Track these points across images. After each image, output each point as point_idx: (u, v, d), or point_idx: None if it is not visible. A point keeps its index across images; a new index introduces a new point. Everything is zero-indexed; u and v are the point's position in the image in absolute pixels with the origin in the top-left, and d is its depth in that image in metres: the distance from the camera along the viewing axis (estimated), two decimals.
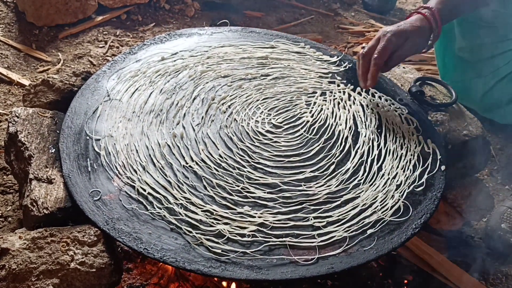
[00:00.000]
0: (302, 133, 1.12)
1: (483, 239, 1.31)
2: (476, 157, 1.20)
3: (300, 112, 1.17)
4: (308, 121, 1.14)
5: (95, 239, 0.88)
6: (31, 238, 0.86)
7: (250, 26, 1.84)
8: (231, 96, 1.18)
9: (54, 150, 1.03)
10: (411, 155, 1.09)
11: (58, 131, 1.06)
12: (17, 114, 1.07)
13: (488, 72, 1.52)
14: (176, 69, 1.22)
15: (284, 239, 0.90)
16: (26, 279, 0.82)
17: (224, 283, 1.08)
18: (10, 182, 1.31)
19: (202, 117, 1.12)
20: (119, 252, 1.03)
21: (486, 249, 1.30)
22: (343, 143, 1.10)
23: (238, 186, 0.98)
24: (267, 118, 1.14)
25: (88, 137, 1.04)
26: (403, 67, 1.38)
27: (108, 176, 0.97)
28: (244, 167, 1.02)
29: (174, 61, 1.24)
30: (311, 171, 1.03)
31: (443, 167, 1.08)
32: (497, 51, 1.48)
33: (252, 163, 1.03)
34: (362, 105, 1.20)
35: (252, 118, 1.14)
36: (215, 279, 1.08)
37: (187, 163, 1.01)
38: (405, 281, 1.18)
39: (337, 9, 2.24)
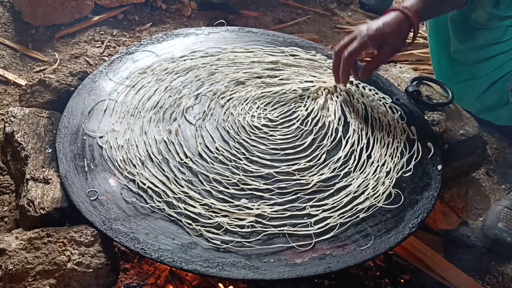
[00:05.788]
0: (297, 126, 1.13)
1: (479, 238, 1.31)
2: (473, 156, 1.21)
3: (295, 106, 1.18)
4: (303, 115, 1.15)
5: (92, 239, 0.88)
6: (27, 238, 0.86)
7: (247, 26, 1.84)
8: (231, 91, 1.18)
9: (50, 150, 1.02)
10: (398, 142, 1.11)
11: (54, 131, 1.06)
12: (13, 114, 1.07)
13: (482, 74, 1.53)
14: (177, 71, 1.21)
15: (282, 228, 0.92)
16: (22, 279, 0.82)
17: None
18: (6, 182, 1.30)
19: (204, 111, 1.12)
20: (116, 252, 1.03)
21: (482, 248, 1.30)
22: (334, 134, 1.12)
23: (234, 178, 0.99)
24: (263, 113, 1.15)
25: (85, 137, 1.04)
26: (400, 67, 1.38)
27: (105, 176, 0.97)
28: (241, 159, 1.03)
29: (174, 62, 1.24)
30: (306, 162, 1.05)
31: (439, 167, 1.08)
32: (491, 53, 1.48)
33: (248, 156, 1.04)
34: (348, 96, 1.21)
35: (249, 113, 1.14)
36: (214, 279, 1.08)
37: (187, 157, 1.02)
38: (402, 281, 1.18)
39: (334, 9, 2.24)
